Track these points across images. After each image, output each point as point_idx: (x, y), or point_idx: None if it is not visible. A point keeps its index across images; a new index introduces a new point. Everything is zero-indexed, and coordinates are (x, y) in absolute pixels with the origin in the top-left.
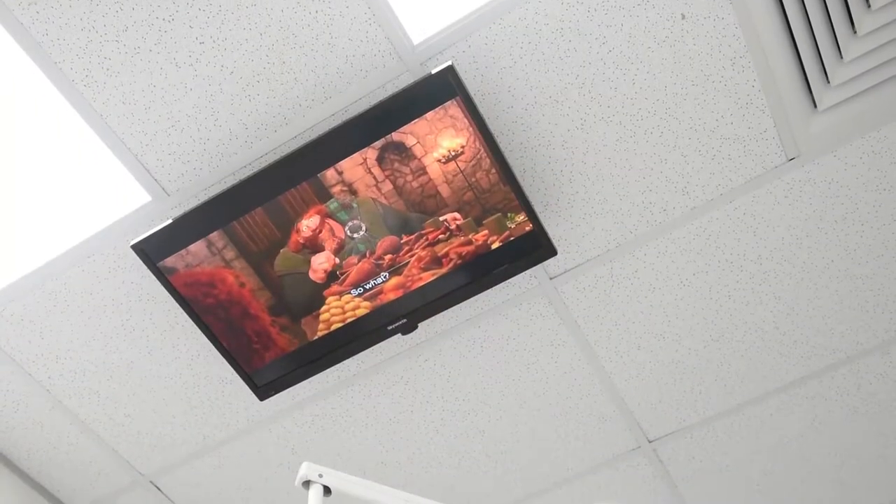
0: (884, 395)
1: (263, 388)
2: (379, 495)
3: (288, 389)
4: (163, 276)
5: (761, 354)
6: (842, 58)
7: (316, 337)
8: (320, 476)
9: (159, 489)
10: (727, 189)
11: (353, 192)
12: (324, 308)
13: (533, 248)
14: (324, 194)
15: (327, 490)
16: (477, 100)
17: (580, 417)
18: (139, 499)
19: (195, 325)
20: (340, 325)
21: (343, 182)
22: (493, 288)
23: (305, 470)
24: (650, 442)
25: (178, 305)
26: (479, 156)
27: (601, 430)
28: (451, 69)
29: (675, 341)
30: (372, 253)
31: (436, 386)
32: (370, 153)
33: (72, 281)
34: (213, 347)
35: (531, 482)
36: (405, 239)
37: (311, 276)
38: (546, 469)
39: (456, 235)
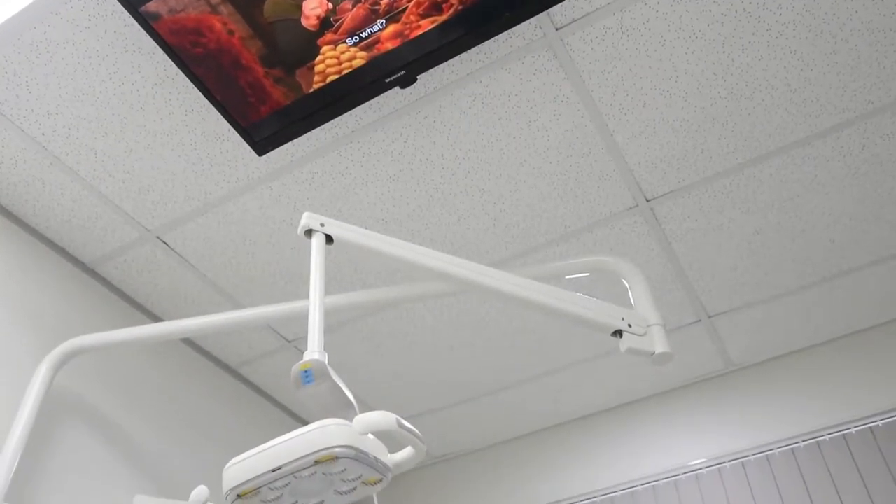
0: (886, 156)
1: (261, 143)
2: (380, 244)
3: (286, 146)
4: (146, 22)
5: (768, 113)
6: None
7: (312, 90)
8: (322, 225)
9: (167, 244)
10: None
11: None
12: (318, 58)
13: None
14: None
15: (329, 239)
16: None
17: (580, 176)
18: (148, 254)
19: (186, 79)
20: (336, 77)
21: None
22: (496, 40)
23: (307, 219)
24: (648, 201)
25: (167, 57)
26: None
27: (600, 188)
28: None
29: (681, 98)
30: None
31: (435, 143)
32: None
33: (51, 31)
34: (207, 102)
35: (528, 239)
36: None
37: (304, 22)
38: (544, 226)
39: None
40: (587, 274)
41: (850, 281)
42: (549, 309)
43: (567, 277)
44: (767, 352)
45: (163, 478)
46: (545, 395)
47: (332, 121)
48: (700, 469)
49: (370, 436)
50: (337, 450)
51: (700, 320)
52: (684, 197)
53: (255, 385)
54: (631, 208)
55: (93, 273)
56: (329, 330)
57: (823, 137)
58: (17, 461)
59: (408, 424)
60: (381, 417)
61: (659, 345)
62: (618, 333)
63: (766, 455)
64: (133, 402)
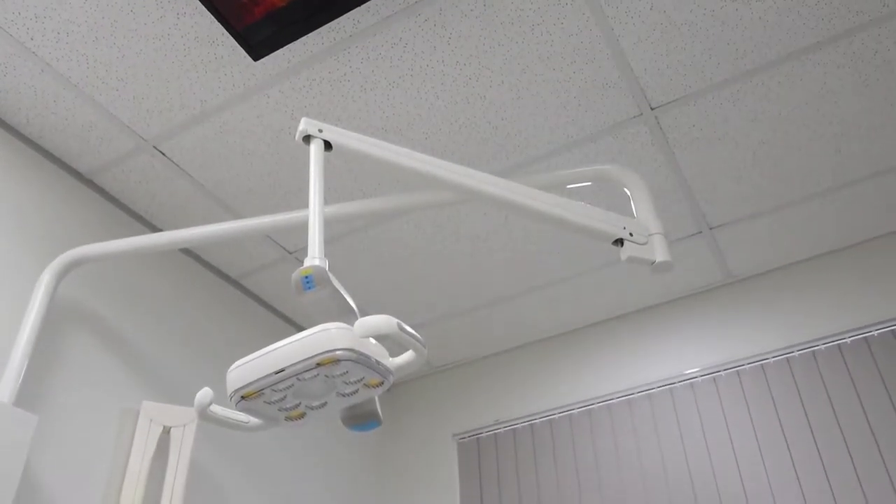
0: None
1: (257, 47)
2: (379, 150)
3: (282, 52)
4: None
5: (780, 16)
6: None
7: None
8: (320, 131)
9: (164, 154)
10: None
11: None
12: None
13: None
14: None
15: (328, 145)
16: None
17: (584, 84)
18: (145, 164)
19: None
20: None
21: None
22: None
23: (305, 125)
24: (652, 109)
25: None
26: None
27: (604, 96)
28: None
29: (691, 0)
30: None
31: (436, 49)
32: None
33: None
34: (199, 4)
35: (530, 149)
36: None
37: None
38: (546, 136)
39: None
40: (589, 183)
41: (853, 192)
42: (551, 217)
43: (569, 187)
44: (766, 264)
45: (168, 385)
46: (545, 305)
47: (330, 24)
48: (695, 378)
49: (372, 340)
50: (338, 352)
51: (701, 232)
52: (690, 105)
53: (257, 296)
54: (635, 117)
55: (90, 184)
56: (330, 241)
57: (835, 42)
58: (24, 367)
59: (408, 328)
60: (381, 321)
61: (659, 253)
62: (619, 242)
63: (762, 364)
64: (136, 312)
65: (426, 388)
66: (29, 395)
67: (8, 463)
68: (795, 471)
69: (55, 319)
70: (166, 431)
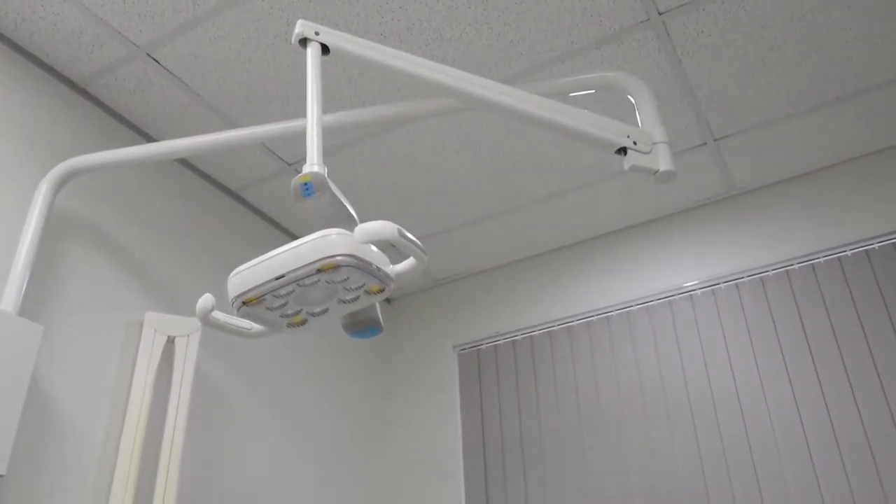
0: None
1: None
2: (377, 54)
3: None
4: None
5: None
6: None
7: None
8: (317, 34)
9: (157, 62)
10: None
11: None
12: None
13: None
14: None
15: (325, 49)
16: None
17: None
18: (138, 72)
19: None
20: None
21: None
22: None
23: (301, 27)
24: (660, 14)
25: None
26: None
27: (610, 0)
28: None
29: None
30: None
31: None
32: None
33: None
34: None
35: (533, 56)
36: None
37: None
38: (549, 42)
39: None
40: (593, 91)
41: (862, 102)
42: (555, 125)
43: (571, 95)
44: (770, 176)
45: (170, 296)
46: (546, 218)
47: None
48: (694, 290)
49: (373, 247)
50: (339, 258)
51: (706, 143)
52: (699, 10)
53: (257, 208)
54: (642, 22)
55: (84, 93)
56: (330, 153)
57: None
58: (27, 278)
59: (409, 234)
60: (382, 226)
61: (663, 162)
62: (622, 151)
63: (761, 277)
64: (136, 223)
65: (427, 301)
66: (32, 306)
67: (15, 373)
68: (790, 382)
69: (55, 231)
70: (170, 341)
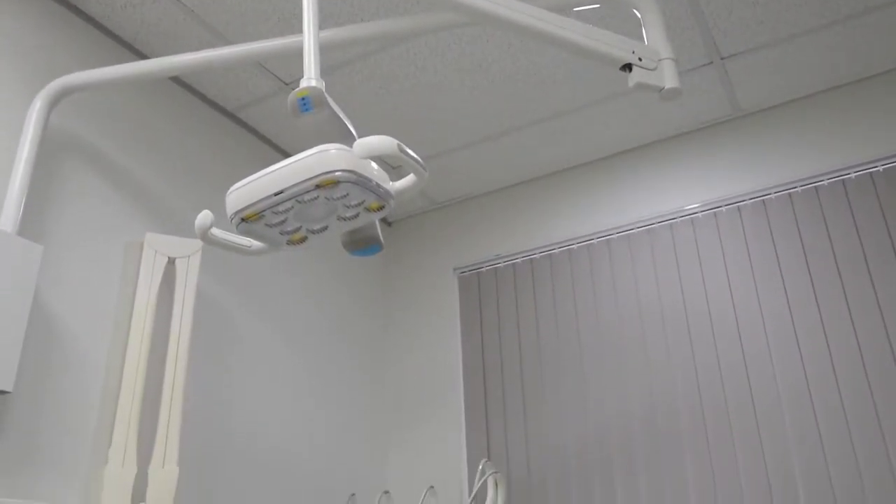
0: None
1: None
2: None
3: None
4: None
5: None
6: None
7: None
8: None
9: None
10: None
11: None
12: None
13: None
14: None
15: None
16: None
17: None
18: None
19: None
20: None
21: None
22: None
23: None
24: None
25: None
26: None
27: None
28: None
29: None
30: None
31: None
32: None
33: None
34: None
35: None
36: None
37: None
38: None
39: None
40: (597, 6)
41: (872, 20)
42: (559, 39)
43: (576, 10)
44: (775, 97)
45: (169, 218)
46: (547, 139)
47: None
48: (696, 213)
49: (373, 164)
50: (338, 174)
51: (712, 62)
52: None
53: (255, 129)
54: None
55: (76, 10)
56: (327, 72)
57: None
58: (24, 197)
59: (409, 150)
60: (381, 141)
61: (669, 79)
62: (627, 68)
63: (763, 199)
64: (133, 143)
65: (428, 224)
66: (31, 226)
67: (17, 292)
68: (788, 305)
69: (51, 151)
70: (171, 262)
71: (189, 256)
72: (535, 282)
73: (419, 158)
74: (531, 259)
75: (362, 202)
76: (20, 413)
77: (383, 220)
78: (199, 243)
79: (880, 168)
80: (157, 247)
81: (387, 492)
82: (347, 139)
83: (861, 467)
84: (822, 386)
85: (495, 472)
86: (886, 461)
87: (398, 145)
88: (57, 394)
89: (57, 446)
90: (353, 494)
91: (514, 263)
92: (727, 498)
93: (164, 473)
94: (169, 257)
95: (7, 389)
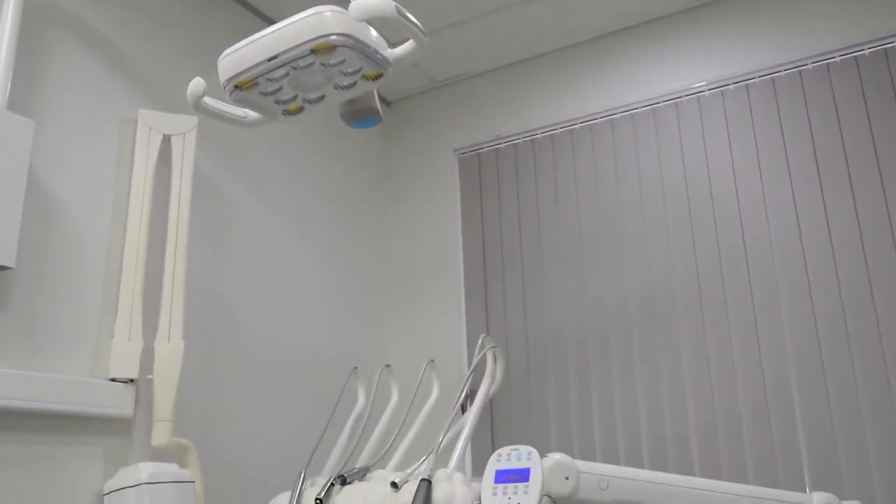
0: None
1: None
2: None
3: None
4: None
5: None
6: None
7: None
8: None
9: None
10: None
11: None
12: None
13: None
14: None
15: None
16: None
17: None
18: None
19: None
20: None
21: None
22: None
23: None
24: None
25: None
26: None
27: None
28: None
29: None
30: None
31: None
32: None
33: None
34: None
35: None
36: None
37: None
38: None
39: None
40: None
41: None
42: None
43: None
44: None
45: (162, 95)
46: (550, 13)
47: None
48: (702, 91)
49: (372, 31)
50: (333, 38)
51: None
52: None
53: (249, 4)
54: None
55: None
56: None
57: None
58: (11, 69)
59: (408, 13)
60: (378, 2)
61: None
62: None
63: (772, 77)
64: (122, 13)
65: (427, 103)
66: (20, 101)
67: (12, 168)
68: (792, 187)
69: (35, 22)
70: (167, 140)
71: (185, 134)
72: (536, 163)
73: (418, 23)
74: (533, 139)
75: (359, 69)
76: (23, 289)
77: (382, 100)
78: (194, 120)
79: (895, 44)
80: (152, 124)
81: (388, 365)
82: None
83: (853, 355)
84: (820, 274)
85: (494, 347)
86: (880, 350)
87: (396, 7)
88: (59, 271)
89: (62, 321)
90: (356, 368)
91: (515, 144)
92: (721, 377)
93: (170, 347)
94: (164, 135)
95: (9, 265)
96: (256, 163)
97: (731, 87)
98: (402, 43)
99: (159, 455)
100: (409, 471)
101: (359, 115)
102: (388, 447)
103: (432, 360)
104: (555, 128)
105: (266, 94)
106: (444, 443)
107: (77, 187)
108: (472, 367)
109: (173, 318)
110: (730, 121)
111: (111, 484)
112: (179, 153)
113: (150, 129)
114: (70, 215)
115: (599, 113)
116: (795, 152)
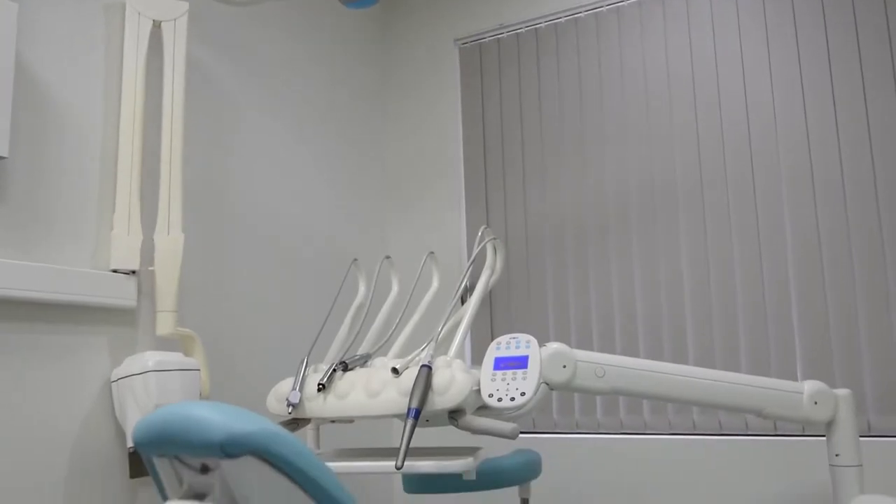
0: None
1: None
2: None
3: None
4: None
5: None
6: None
7: None
8: None
9: None
10: None
11: None
12: None
13: None
14: None
15: None
16: None
17: None
18: None
19: None
20: None
21: None
22: None
23: None
24: None
25: None
26: None
27: None
28: None
29: None
30: None
31: None
32: None
33: None
34: None
35: None
36: None
37: None
38: None
39: None
40: None
41: None
42: None
43: None
44: None
45: None
46: None
47: None
48: None
49: None
50: None
51: None
52: None
53: None
54: None
55: None
56: None
57: None
58: None
59: None
60: None
61: None
62: None
63: None
64: None
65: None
66: None
67: None
68: (802, 83)
69: None
70: (157, 26)
71: (175, 20)
72: (539, 54)
73: None
74: (536, 29)
75: None
76: (19, 179)
77: None
78: (185, 5)
79: None
80: (141, 9)
81: (388, 257)
82: None
83: (852, 248)
84: (825, 169)
85: (494, 239)
86: (879, 244)
87: None
88: (55, 161)
89: (61, 212)
90: (356, 259)
91: (517, 34)
92: (719, 268)
93: (170, 240)
94: (154, 21)
95: (2, 154)
96: (251, 48)
97: None
98: None
99: (164, 345)
100: (409, 357)
101: None
102: (388, 336)
103: (432, 252)
104: (559, 16)
105: None
106: (443, 333)
107: (68, 78)
108: (471, 259)
109: (172, 211)
110: (740, 8)
111: (118, 371)
112: (171, 40)
113: (139, 14)
114: (62, 106)
115: (606, 1)
116: (807, 44)
